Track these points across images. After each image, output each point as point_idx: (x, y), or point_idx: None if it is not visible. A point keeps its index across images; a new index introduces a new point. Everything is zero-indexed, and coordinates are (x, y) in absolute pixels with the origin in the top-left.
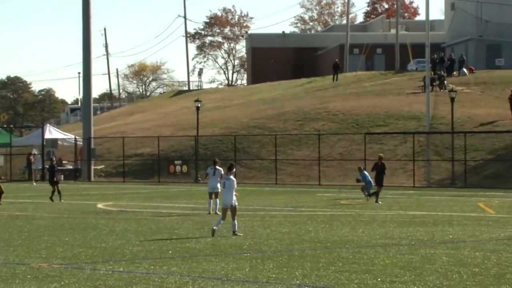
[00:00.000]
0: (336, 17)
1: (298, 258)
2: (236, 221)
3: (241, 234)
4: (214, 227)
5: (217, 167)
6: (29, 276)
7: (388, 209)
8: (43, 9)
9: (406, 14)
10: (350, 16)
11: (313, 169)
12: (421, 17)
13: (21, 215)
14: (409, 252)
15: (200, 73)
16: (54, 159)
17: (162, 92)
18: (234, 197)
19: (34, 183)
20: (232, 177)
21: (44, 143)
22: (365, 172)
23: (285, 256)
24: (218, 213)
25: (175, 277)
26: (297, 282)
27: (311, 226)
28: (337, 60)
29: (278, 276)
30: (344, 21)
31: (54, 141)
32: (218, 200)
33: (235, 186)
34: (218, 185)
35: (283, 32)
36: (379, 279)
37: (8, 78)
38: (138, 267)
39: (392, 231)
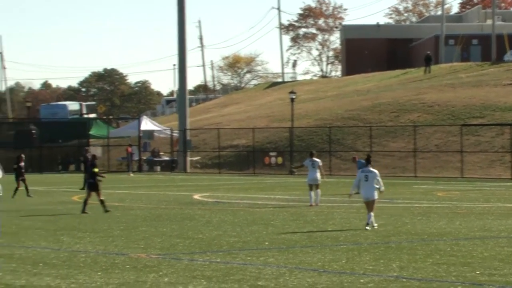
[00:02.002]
0: (431, 8)
1: (395, 250)
2: (373, 213)
3: (376, 225)
4: (367, 226)
5: (315, 158)
6: (128, 266)
7: (485, 201)
8: (139, 1)
9: (502, 4)
10: (445, 6)
11: (409, 161)
12: None
13: (119, 206)
14: (508, 245)
15: (294, 65)
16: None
17: (256, 83)
18: (376, 190)
19: (131, 174)
20: (374, 169)
21: (141, 134)
22: (362, 161)
23: (382, 248)
24: (320, 205)
25: (271, 268)
26: (394, 274)
27: (408, 218)
28: (429, 52)
29: (375, 268)
30: (439, 12)
31: (150, 133)
32: (319, 191)
33: (378, 176)
34: (318, 176)
35: (378, 23)
36: (477, 272)
37: (105, 70)
38: (235, 258)
39: (490, 224)
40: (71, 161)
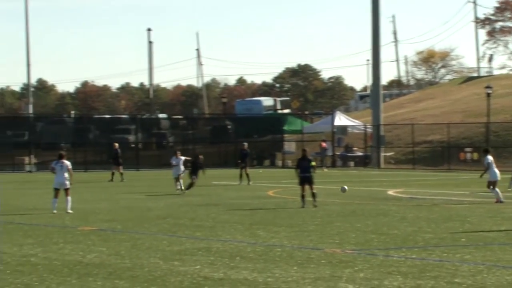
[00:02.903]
0: None
1: None
2: None
3: None
4: None
5: (489, 156)
6: (323, 260)
7: None
8: None
9: None
10: None
11: None
12: None
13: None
14: None
15: (490, 59)
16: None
17: (451, 78)
18: None
19: (325, 169)
20: None
21: (334, 130)
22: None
23: None
24: (503, 201)
25: (468, 265)
26: None
27: None
28: None
29: None
30: None
31: (343, 128)
32: (497, 189)
33: None
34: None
35: None
36: None
37: (299, 66)
38: (430, 254)
39: None
40: (266, 156)
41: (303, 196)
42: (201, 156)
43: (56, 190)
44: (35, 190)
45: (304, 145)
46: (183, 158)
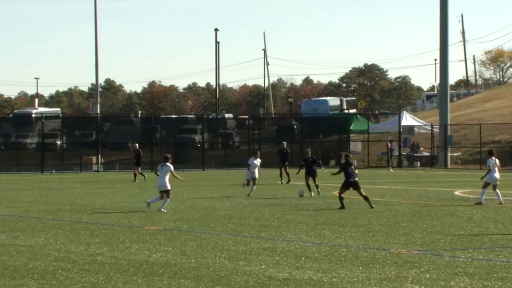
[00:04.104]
0: None
1: None
2: None
3: None
4: None
5: (495, 158)
6: (388, 261)
7: None
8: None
9: None
10: None
11: None
12: None
13: (380, 201)
14: None
15: None
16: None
17: None
18: None
19: (391, 170)
20: None
21: (401, 130)
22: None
23: None
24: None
25: None
26: None
27: None
28: None
29: None
30: None
31: (410, 128)
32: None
33: None
34: (498, 176)
35: None
36: None
37: (366, 65)
38: (498, 255)
39: None
40: (331, 156)
41: (341, 198)
42: (307, 150)
43: (160, 192)
44: (102, 189)
45: (370, 145)
46: (259, 162)
